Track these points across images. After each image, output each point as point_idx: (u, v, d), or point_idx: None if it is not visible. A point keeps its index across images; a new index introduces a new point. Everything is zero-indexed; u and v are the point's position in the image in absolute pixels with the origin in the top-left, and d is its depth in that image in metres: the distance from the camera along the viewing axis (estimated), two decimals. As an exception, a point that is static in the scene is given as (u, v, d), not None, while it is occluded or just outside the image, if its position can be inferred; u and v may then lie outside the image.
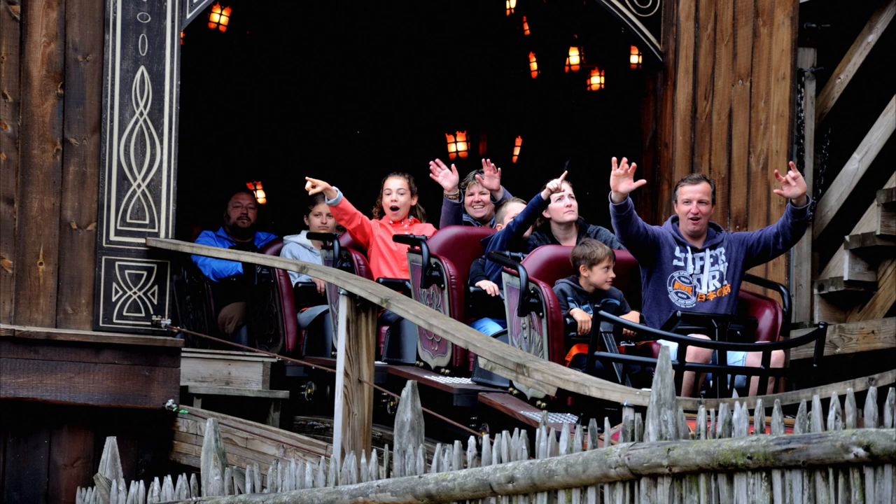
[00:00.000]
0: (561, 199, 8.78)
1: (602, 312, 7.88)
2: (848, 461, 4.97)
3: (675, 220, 8.38)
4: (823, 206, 9.65)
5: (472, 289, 8.78)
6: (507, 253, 8.64)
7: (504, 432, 6.22)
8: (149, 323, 9.27)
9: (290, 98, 12.80)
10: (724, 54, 10.03)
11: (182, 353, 9.31)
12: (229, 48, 12.57)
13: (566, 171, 8.84)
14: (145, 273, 9.29)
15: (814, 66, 9.70)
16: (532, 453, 6.08)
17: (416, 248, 8.92)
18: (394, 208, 9.46)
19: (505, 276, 8.36)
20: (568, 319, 8.12)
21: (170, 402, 9.18)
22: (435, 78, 12.79)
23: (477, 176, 9.37)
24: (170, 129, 9.35)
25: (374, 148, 12.84)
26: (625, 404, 6.25)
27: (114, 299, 9.24)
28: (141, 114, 9.32)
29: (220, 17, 12.41)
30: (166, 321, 9.24)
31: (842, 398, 5.11)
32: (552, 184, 8.70)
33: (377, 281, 9.14)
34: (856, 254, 9.28)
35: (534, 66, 12.61)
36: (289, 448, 8.57)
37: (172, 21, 9.38)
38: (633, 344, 8.13)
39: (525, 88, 12.65)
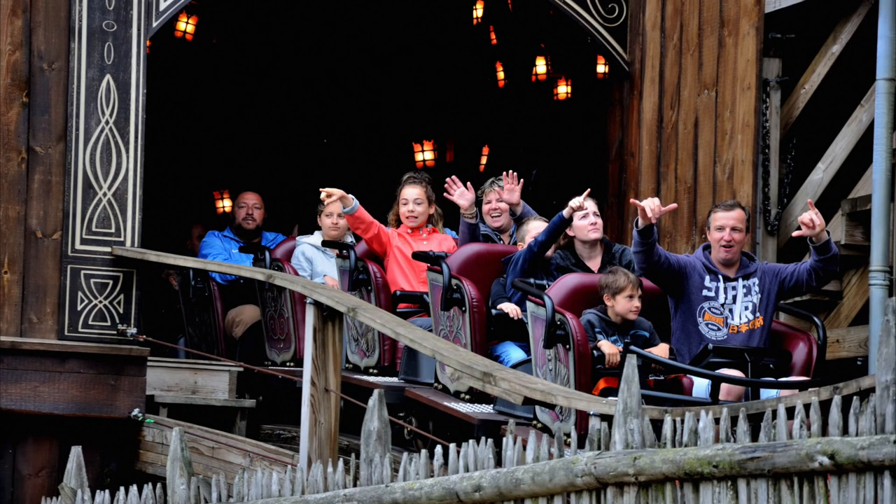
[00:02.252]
0: (585, 217, 8.41)
1: (632, 347, 7.54)
2: (813, 470, 4.99)
3: (707, 248, 7.96)
4: (788, 215, 9.70)
5: (493, 311, 8.41)
6: (532, 281, 8.23)
7: (471, 441, 6.22)
8: (114, 332, 9.23)
9: (258, 107, 12.79)
10: (690, 64, 10.08)
11: (148, 362, 9.28)
12: (196, 57, 12.55)
13: (588, 189, 8.49)
14: (111, 282, 9.26)
15: (779, 76, 9.75)
16: (499, 462, 6.09)
17: (436, 267, 8.53)
18: (411, 218, 9.13)
19: (530, 305, 8.00)
20: (595, 352, 7.75)
21: (135, 412, 9.15)
22: (403, 87, 12.80)
23: (497, 189, 9.02)
24: (136, 137, 9.32)
25: (342, 156, 12.83)
26: (591, 413, 6.26)
27: (79, 308, 9.21)
28: (107, 122, 9.29)
29: (186, 25, 12.38)
30: (132, 330, 9.21)
31: (806, 407, 5.13)
32: (575, 202, 8.31)
33: (395, 293, 8.92)
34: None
35: (501, 75, 12.64)
36: (255, 457, 8.56)
37: (138, 29, 9.36)
38: (662, 377, 7.75)
39: (492, 98, 12.67)
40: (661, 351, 7.87)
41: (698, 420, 5.37)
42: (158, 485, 7.59)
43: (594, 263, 8.47)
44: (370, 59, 12.73)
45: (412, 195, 9.18)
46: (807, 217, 7.82)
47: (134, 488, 7.66)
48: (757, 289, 7.94)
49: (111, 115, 9.29)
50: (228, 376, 9.56)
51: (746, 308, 7.91)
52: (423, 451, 6.43)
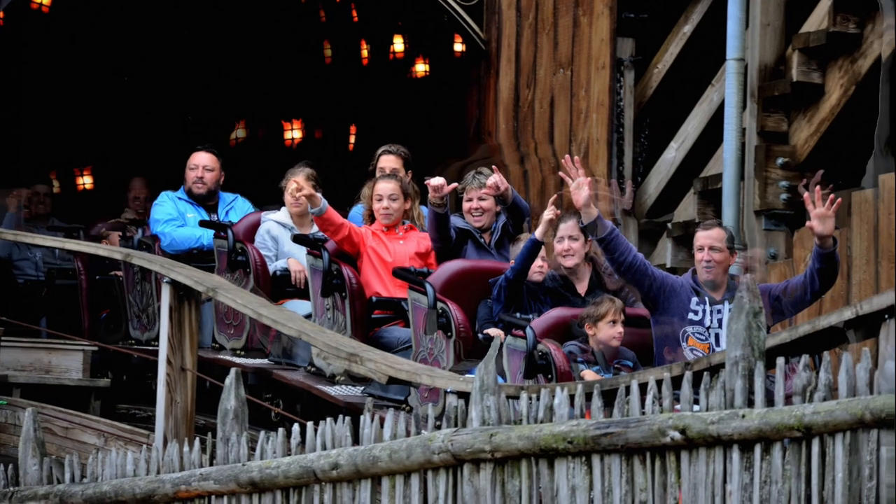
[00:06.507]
0: (560, 242, 7.80)
1: (622, 374, 7.06)
2: (665, 444, 5.08)
3: (695, 270, 7.49)
4: (643, 193, 9.87)
5: (480, 336, 7.89)
6: (518, 315, 7.69)
7: (328, 419, 6.23)
8: (-38, 312, 9.08)
9: (122, 84, 12.61)
10: (546, 43, 10.17)
11: (1, 342, 9.13)
12: (53, 29, 12.33)
13: (555, 196, 7.90)
14: (-40, 261, 9.08)
15: (632, 55, 9.89)
16: (356, 440, 6.11)
17: (419, 287, 7.96)
18: (385, 215, 8.51)
19: (508, 338, 7.51)
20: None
21: (-13, 393, 9.00)
22: (271, 65, 12.71)
23: (477, 188, 8.36)
24: (-14, 112, 9.15)
25: (207, 134, 12.69)
26: (448, 390, 6.31)
27: (-73, 288, 9.03)
28: (-45, 97, 9.11)
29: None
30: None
31: (659, 383, 5.23)
32: (547, 214, 7.71)
33: (371, 299, 8.40)
34: (678, 241, 9.49)
35: (364, 53, 12.62)
36: (110, 437, 8.48)
37: (-10, 2, 9.17)
38: None
39: (357, 76, 12.66)
40: None
41: (554, 396, 5.44)
42: (10, 465, 7.49)
43: (581, 286, 7.92)
44: (234, 35, 12.63)
45: (386, 190, 8.52)
46: (819, 212, 7.09)
47: (-14, 470, 7.55)
48: None
49: (-40, 90, 9.10)
50: (83, 356, 9.45)
51: None
52: (281, 430, 6.42)
